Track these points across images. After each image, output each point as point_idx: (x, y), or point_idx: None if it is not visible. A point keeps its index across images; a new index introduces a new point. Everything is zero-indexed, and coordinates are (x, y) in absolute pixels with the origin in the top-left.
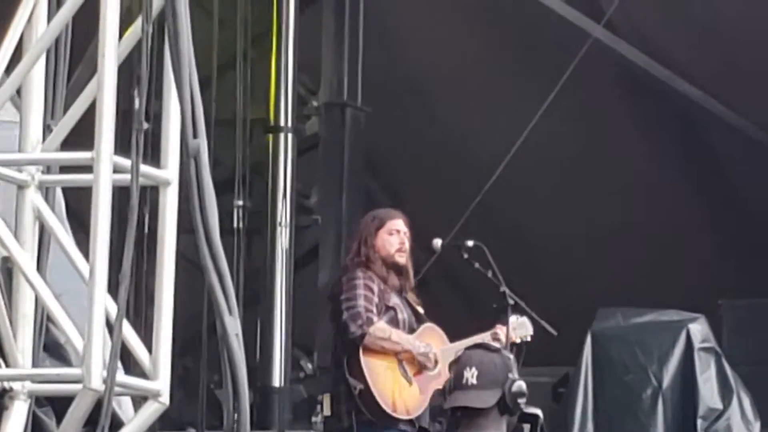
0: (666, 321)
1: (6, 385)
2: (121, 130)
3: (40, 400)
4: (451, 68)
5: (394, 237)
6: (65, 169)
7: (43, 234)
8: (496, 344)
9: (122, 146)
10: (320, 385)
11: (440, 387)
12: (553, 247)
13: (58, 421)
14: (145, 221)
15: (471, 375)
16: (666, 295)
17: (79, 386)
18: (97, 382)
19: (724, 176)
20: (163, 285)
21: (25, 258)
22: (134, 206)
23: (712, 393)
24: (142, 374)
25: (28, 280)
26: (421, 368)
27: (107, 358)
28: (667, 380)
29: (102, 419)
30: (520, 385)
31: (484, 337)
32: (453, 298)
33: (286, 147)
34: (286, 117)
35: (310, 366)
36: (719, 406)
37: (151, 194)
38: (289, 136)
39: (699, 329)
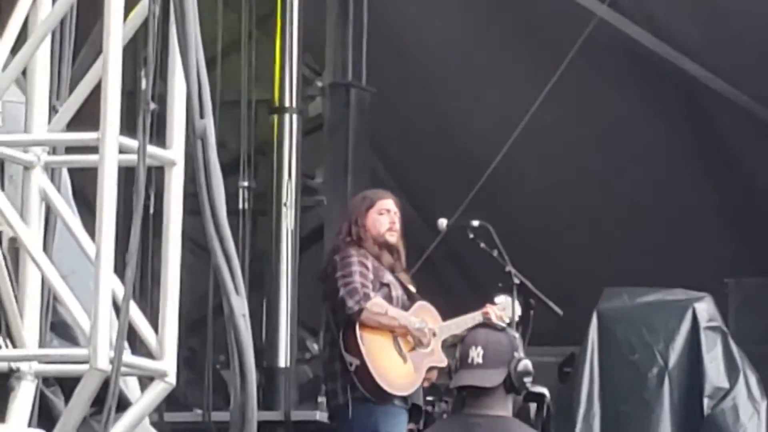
0: (672, 300)
1: (13, 365)
2: (127, 110)
3: (48, 380)
4: (455, 49)
5: (384, 216)
6: (71, 149)
7: (49, 215)
8: (501, 323)
9: (128, 127)
10: None
11: (434, 365)
12: (557, 227)
13: (67, 400)
14: (151, 202)
15: (477, 354)
16: (672, 275)
17: (85, 366)
18: (103, 363)
19: (731, 156)
20: (168, 266)
21: (31, 239)
22: (141, 187)
23: (718, 372)
24: (149, 354)
25: (34, 261)
26: (415, 345)
27: (114, 339)
28: (673, 359)
29: (109, 399)
30: (526, 364)
31: (474, 317)
32: (458, 278)
33: (291, 128)
34: (291, 98)
35: (315, 346)
36: (726, 385)
37: (156, 175)
38: (294, 116)
39: (705, 308)
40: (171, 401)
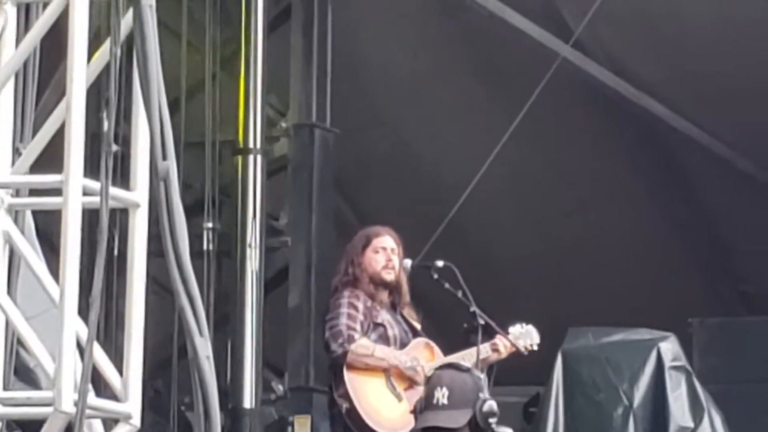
0: (636, 340)
1: None
2: (91, 152)
3: (10, 424)
4: (418, 89)
5: (380, 254)
6: (35, 192)
7: (13, 257)
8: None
9: (92, 169)
10: (291, 407)
11: None
12: (521, 267)
13: None
14: (115, 244)
15: (442, 395)
16: (636, 314)
17: (50, 409)
18: (68, 405)
19: (693, 195)
20: (133, 307)
21: None
22: (104, 229)
23: (683, 411)
24: (113, 397)
25: None
26: (411, 383)
27: (78, 381)
28: (638, 399)
29: None
30: (491, 404)
31: (482, 349)
32: (423, 319)
33: (255, 168)
34: (255, 139)
35: (281, 387)
36: (690, 424)
37: (121, 217)
38: (258, 157)
39: (669, 348)
40: None
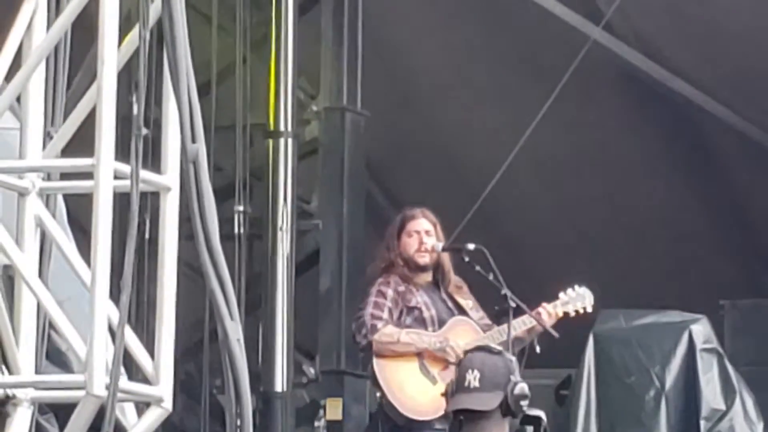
0: (668, 322)
1: (9, 392)
2: (121, 136)
3: (42, 408)
4: (449, 72)
5: (414, 238)
6: (66, 175)
7: (45, 241)
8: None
9: (123, 153)
10: (322, 390)
11: None
12: (553, 249)
13: (61, 428)
14: (146, 227)
15: (473, 377)
16: (668, 296)
17: (81, 393)
18: (99, 389)
19: (726, 177)
20: (164, 291)
21: (26, 265)
22: (134, 212)
23: (714, 394)
24: (145, 380)
25: (29, 288)
26: (446, 364)
27: (110, 365)
28: (669, 381)
29: (105, 426)
30: (523, 387)
31: (525, 320)
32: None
33: (286, 152)
34: (285, 122)
35: (312, 371)
36: (722, 406)
37: (152, 200)
38: (289, 140)
39: (701, 330)
40: (167, 426)
